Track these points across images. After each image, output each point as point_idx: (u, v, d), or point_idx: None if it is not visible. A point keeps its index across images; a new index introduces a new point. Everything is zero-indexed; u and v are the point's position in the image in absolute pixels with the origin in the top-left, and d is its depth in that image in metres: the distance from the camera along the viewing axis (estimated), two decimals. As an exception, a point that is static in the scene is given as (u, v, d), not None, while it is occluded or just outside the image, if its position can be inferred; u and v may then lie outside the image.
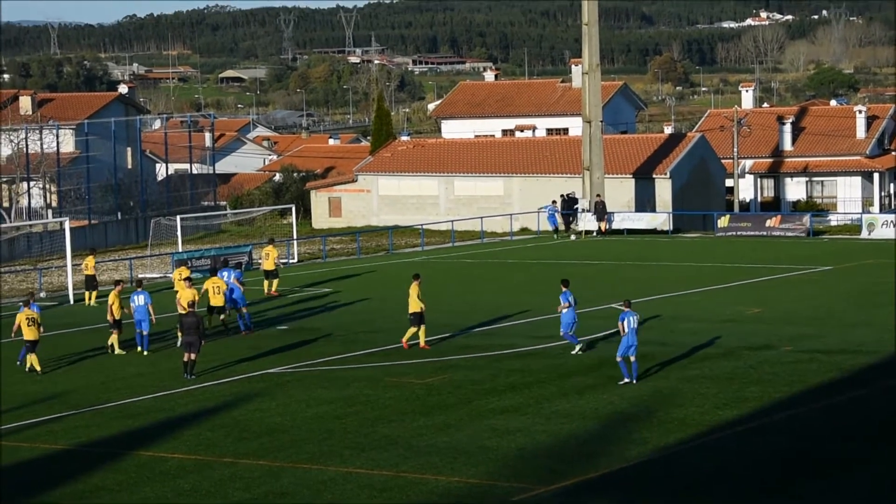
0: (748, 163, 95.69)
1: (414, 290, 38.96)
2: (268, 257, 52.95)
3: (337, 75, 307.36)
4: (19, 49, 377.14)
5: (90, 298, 52.06)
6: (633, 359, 32.74)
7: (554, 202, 76.15)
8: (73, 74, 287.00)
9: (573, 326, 37.45)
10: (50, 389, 34.73)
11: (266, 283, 52.61)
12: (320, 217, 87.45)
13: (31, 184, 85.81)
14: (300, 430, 29.07)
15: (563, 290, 37.44)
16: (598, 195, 74.81)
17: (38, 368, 37.28)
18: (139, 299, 40.26)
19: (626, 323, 32.86)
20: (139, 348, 39.97)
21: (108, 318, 40.32)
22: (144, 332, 39.95)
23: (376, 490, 24.07)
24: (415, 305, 38.77)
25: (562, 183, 79.87)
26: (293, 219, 75.06)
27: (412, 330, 38.89)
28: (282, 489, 24.35)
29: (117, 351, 39.86)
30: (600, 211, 74.08)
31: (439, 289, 52.86)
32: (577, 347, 37.46)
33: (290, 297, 51.88)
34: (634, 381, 32.49)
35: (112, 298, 40.36)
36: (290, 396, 32.68)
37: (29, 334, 37.24)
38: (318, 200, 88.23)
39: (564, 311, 37.29)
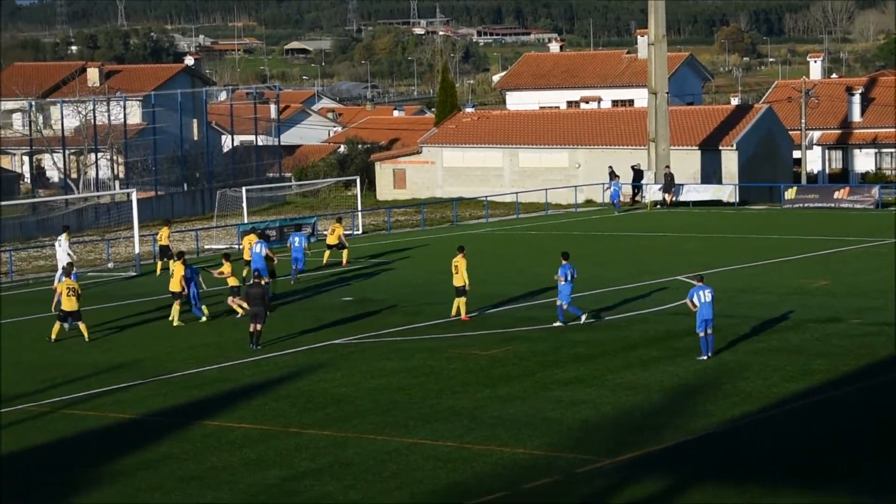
0: (816, 134, 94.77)
1: (461, 263, 38.88)
2: (333, 232, 52.98)
3: (402, 47, 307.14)
4: (87, 21, 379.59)
5: (160, 269, 52.36)
6: (709, 331, 32.42)
7: (616, 176, 75.46)
8: (140, 46, 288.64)
9: (569, 297, 37.41)
10: (117, 359, 35.01)
11: (327, 253, 52.58)
12: (385, 189, 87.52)
13: (99, 155, 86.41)
14: (364, 400, 29.15)
15: (563, 262, 37.48)
16: (667, 167, 74.36)
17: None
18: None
19: (696, 298, 32.53)
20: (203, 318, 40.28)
21: (171, 289, 40.53)
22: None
23: (441, 461, 24.09)
24: (461, 279, 38.75)
25: (627, 155, 79.50)
26: (357, 190, 75.10)
27: (461, 301, 38.98)
28: (347, 459, 24.43)
29: (176, 322, 40.07)
30: (668, 183, 73.65)
31: (503, 261, 52.85)
32: (583, 317, 37.44)
33: (354, 269, 51.98)
34: (710, 356, 32.10)
35: (177, 269, 40.60)
36: (354, 367, 32.76)
37: (68, 304, 37.61)
38: (383, 172, 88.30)
39: (562, 283, 37.25)
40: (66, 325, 38.59)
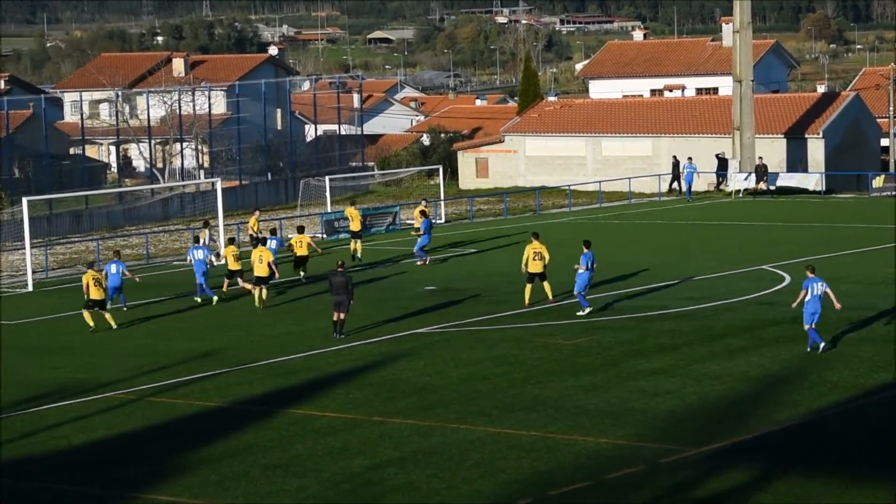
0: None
1: (530, 248, 39.09)
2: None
3: (484, 35, 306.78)
4: (172, 12, 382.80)
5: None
6: (813, 326, 31.94)
7: (690, 159, 74.81)
8: (225, 36, 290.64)
9: (586, 288, 37.56)
10: (203, 347, 35.31)
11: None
12: (467, 178, 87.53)
13: (184, 145, 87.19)
14: (448, 389, 29.18)
15: (585, 251, 37.64)
16: (760, 157, 73.62)
17: (113, 324, 38.39)
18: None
19: (809, 289, 32.01)
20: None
21: (257, 273, 41.14)
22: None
23: (524, 450, 24.07)
24: (536, 266, 38.85)
25: (711, 143, 78.94)
26: (440, 179, 75.21)
27: (545, 285, 39.06)
28: (431, 448, 24.47)
29: (257, 304, 40.90)
30: (760, 172, 72.90)
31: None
32: (587, 310, 37.36)
33: (437, 258, 52.02)
34: (816, 348, 31.65)
35: (264, 255, 41.35)
36: (437, 356, 32.80)
37: (95, 293, 38.07)
38: (465, 161, 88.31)
39: (581, 272, 37.38)
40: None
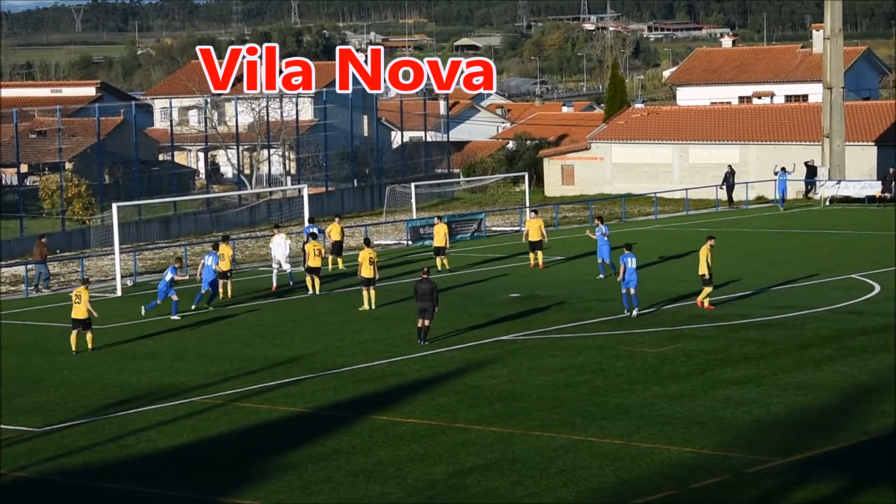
0: None
1: (705, 251, 39.55)
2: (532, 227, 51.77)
3: (571, 42, 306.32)
4: (261, 19, 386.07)
5: (333, 263, 52.88)
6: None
7: (783, 169, 74.00)
8: (313, 43, 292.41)
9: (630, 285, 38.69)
10: (288, 353, 35.51)
11: (532, 255, 51.58)
12: (553, 185, 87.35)
13: (272, 151, 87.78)
14: (531, 397, 29.11)
15: (625, 251, 39.17)
16: (892, 167, 71.61)
17: (74, 349, 36.83)
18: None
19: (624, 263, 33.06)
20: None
21: (363, 275, 42.31)
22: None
23: (608, 459, 23.95)
24: (702, 268, 39.45)
25: (800, 151, 78.15)
26: (526, 186, 75.08)
27: (706, 290, 39.59)
28: (513, 456, 24.42)
29: (363, 307, 41.98)
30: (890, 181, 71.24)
31: (672, 258, 52.36)
32: (635, 311, 38.67)
33: (519, 264, 51.93)
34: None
35: (363, 257, 42.53)
36: (520, 364, 32.75)
37: (78, 313, 36.71)
38: (551, 168, 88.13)
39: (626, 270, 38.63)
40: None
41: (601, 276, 46.99)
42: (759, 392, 28.73)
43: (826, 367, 30.97)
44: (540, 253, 51.02)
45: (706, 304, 39.51)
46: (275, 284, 47.75)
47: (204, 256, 45.54)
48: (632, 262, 38.60)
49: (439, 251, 52.00)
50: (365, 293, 42.44)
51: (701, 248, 39.99)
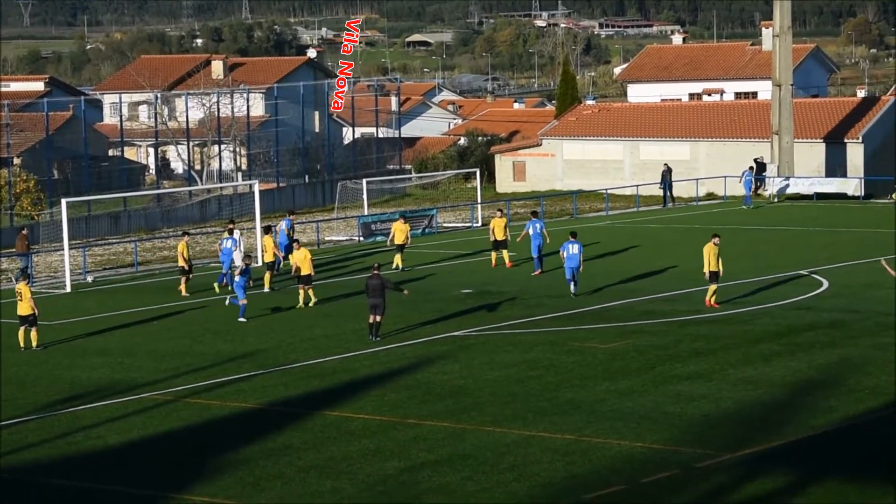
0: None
1: (711, 249, 39.27)
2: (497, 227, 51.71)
3: (523, 39, 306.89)
4: (212, 14, 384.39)
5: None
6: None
7: (751, 168, 74.24)
8: (264, 39, 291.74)
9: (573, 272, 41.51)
10: (239, 349, 35.42)
11: (494, 254, 51.70)
12: (504, 181, 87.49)
13: (222, 147, 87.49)
14: (482, 392, 29.18)
15: (569, 238, 41.75)
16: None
17: (23, 346, 36.57)
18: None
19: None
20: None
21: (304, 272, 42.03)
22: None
23: (559, 454, 24.04)
24: (712, 265, 39.25)
25: (749, 148, 78.67)
26: (477, 183, 75.22)
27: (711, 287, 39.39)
28: (465, 451, 24.47)
29: (299, 305, 41.64)
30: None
31: (623, 254, 52.59)
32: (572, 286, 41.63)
33: (474, 260, 52.01)
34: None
35: (299, 257, 42.23)
36: (472, 359, 32.80)
37: (23, 309, 36.27)
38: (503, 164, 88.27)
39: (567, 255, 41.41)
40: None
41: (537, 271, 47.28)
42: (708, 387, 28.91)
43: (775, 363, 31.20)
44: (505, 252, 50.82)
45: (712, 301, 39.20)
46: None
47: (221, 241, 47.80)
48: (573, 249, 40.93)
49: (400, 248, 51.24)
50: (301, 292, 42.12)
51: (705, 246, 39.65)
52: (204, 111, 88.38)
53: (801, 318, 36.72)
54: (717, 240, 39.79)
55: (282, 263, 47.69)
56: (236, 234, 49.24)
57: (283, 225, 52.22)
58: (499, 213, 52.45)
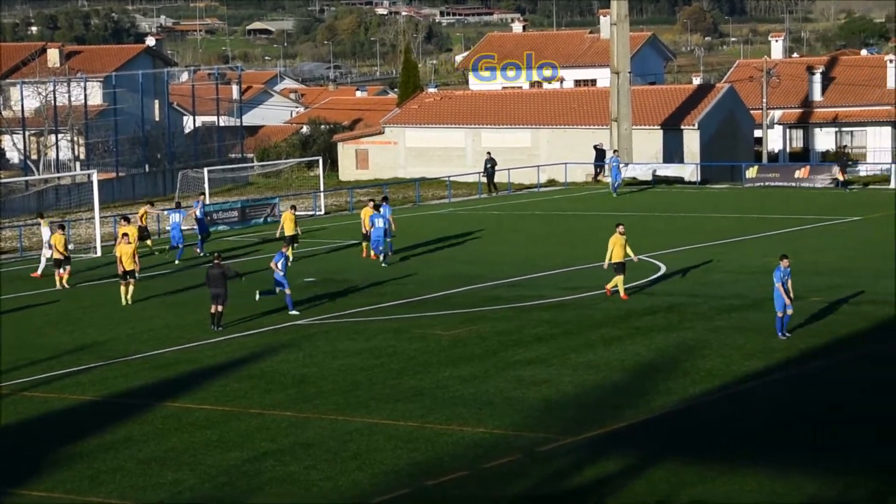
0: (777, 113, 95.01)
1: (617, 240, 38.08)
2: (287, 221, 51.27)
3: (364, 27, 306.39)
4: (47, 2, 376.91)
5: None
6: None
7: (615, 152, 73.77)
8: (101, 27, 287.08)
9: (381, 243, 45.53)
10: (78, 341, 34.87)
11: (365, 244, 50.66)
12: (347, 169, 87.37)
13: (59, 136, 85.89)
14: (326, 381, 29.13)
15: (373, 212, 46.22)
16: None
17: None
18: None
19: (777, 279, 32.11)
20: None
21: (120, 269, 40.72)
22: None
23: (402, 441, 24.11)
24: (617, 255, 38.00)
25: (589, 134, 79.61)
26: (320, 171, 75.00)
27: (617, 279, 38.10)
28: (308, 440, 24.42)
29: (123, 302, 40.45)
30: (844, 162, 73.42)
31: (466, 241, 52.86)
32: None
33: (317, 250, 51.87)
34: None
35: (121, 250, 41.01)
36: (316, 348, 32.73)
37: None
38: (345, 152, 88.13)
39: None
40: None
41: (384, 264, 46.77)
42: (549, 372, 29.22)
43: (615, 347, 31.65)
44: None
45: (622, 293, 37.87)
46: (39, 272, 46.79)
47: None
48: (379, 222, 45.77)
49: (291, 240, 49.96)
50: (123, 288, 40.76)
51: (611, 237, 38.51)
52: (40, 100, 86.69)
53: (640, 303, 37.28)
54: (621, 228, 38.59)
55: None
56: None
57: (197, 209, 53.61)
58: (291, 209, 50.96)
